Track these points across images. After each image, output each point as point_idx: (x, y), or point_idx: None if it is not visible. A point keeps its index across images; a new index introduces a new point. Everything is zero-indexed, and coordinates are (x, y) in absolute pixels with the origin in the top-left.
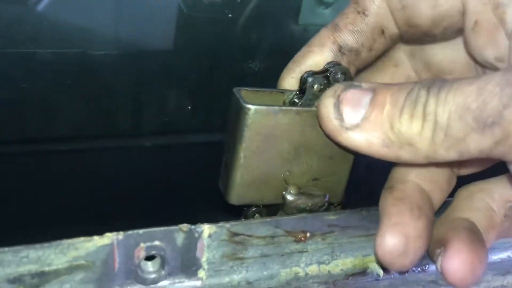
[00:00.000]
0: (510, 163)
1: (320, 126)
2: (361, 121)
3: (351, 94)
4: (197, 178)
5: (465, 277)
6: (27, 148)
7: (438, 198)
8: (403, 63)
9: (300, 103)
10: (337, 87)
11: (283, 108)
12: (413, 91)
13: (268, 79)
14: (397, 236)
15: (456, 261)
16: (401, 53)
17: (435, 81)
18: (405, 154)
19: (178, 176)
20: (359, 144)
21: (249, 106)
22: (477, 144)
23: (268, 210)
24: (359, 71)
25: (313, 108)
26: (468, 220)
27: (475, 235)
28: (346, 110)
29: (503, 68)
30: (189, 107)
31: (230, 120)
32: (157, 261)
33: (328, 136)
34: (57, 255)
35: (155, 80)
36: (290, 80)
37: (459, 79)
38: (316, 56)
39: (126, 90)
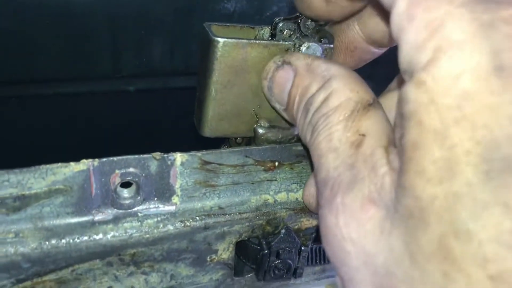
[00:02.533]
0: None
1: None
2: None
3: (278, 77)
4: (176, 122)
5: None
6: (7, 92)
7: None
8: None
9: None
10: (269, 66)
11: (252, 41)
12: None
13: (243, 19)
14: None
15: None
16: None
17: None
18: None
19: (157, 119)
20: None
21: (218, 39)
22: None
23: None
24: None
25: (281, 42)
26: None
27: None
28: (276, 94)
29: None
30: (167, 51)
31: (201, 55)
32: (132, 187)
33: None
34: (37, 179)
35: (133, 23)
36: None
37: None
38: None
39: (105, 33)
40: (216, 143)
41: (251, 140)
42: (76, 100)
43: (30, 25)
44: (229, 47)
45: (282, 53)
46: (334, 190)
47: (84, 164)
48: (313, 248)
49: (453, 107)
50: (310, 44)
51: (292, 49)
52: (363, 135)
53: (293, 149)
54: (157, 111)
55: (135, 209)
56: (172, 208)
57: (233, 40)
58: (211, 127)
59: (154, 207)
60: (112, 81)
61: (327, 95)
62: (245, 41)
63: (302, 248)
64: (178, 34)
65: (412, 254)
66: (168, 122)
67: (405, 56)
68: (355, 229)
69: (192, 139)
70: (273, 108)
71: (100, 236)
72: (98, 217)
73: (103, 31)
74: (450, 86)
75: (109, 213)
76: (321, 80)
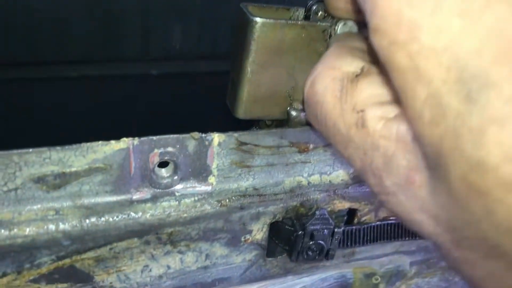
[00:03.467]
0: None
1: None
2: None
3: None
4: (202, 108)
5: None
6: (36, 73)
7: None
8: None
9: None
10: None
11: (290, 21)
12: None
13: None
14: None
15: None
16: None
17: None
18: None
19: (183, 104)
20: None
21: (256, 19)
22: None
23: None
24: None
25: (319, 23)
26: None
27: None
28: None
29: None
30: (195, 34)
31: (237, 36)
32: (170, 166)
33: None
34: (77, 157)
35: (163, 5)
36: None
37: None
38: None
39: (133, 16)
40: (242, 127)
41: (283, 122)
42: (104, 82)
43: (63, 5)
44: (267, 28)
45: (319, 33)
46: (377, 176)
47: (125, 143)
48: (345, 230)
49: (408, 40)
50: (347, 21)
51: (329, 30)
52: (362, 110)
53: None
54: (183, 95)
55: (173, 188)
56: (208, 188)
57: (271, 20)
58: (245, 109)
59: (191, 186)
60: (140, 64)
61: (311, 81)
62: (283, 21)
63: (335, 229)
64: (207, 18)
65: (454, 201)
66: (194, 106)
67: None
68: (415, 201)
69: (219, 124)
70: None
71: (139, 214)
72: (136, 196)
73: (134, 13)
74: (398, 22)
75: (147, 192)
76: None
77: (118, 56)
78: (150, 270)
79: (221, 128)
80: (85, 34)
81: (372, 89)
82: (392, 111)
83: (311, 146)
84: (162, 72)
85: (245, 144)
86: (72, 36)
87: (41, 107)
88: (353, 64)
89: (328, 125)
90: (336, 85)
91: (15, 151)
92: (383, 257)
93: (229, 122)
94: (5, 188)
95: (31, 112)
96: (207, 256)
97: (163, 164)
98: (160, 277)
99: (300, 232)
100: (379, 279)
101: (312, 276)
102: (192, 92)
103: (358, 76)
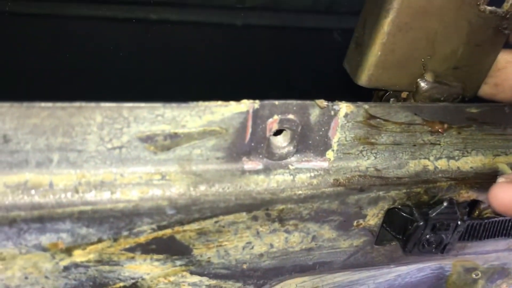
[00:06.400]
0: None
1: None
2: None
3: None
4: (302, 64)
5: None
6: (130, 13)
7: None
8: None
9: None
10: None
11: None
12: None
13: None
14: None
15: None
16: None
17: None
18: None
19: (279, 59)
20: None
21: None
22: None
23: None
24: None
25: None
26: None
27: None
28: None
29: None
30: None
31: None
32: (287, 135)
33: None
34: (193, 117)
35: None
36: None
37: None
38: None
39: None
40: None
41: (408, 96)
42: (198, 29)
43: None
44: None
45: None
46: None
47: (245, 105)
48: (469, 224)
49: None
50: None
51: None
52: None
53: (466, 111)
54: (281, 49)
55: (287, 160)
56: (325, 164)
57: None
58: (371, 75)
59: (307, 160)
60: (235, 12)
61: None
62: None
63: (459, 223)
64: None
65: None
66: (299, 64)
67: None
68: None
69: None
70: None
71: (252, 187)
72: (248, 165)
73: None
74: None
75: (259, 162)
76: None
77: (213, 2)
78: (252, 248)
79: (322, 91)
80: None
81: None
82: None
83: (446, 126)
84: (258, 22)
85: (374, 118)
86: None
87: (126, 49)
88: None
89: None
90: None
91: (125, 104)
92: (492, 253)
93: (329, 81)
94: (109, 145)
95: (116, 53)
96: (313, 237)
97: (279, 132)
98: (261, 255)
99: (421, 223)
100: (480, 274)
101: (409, 265)
102: (291, 46)
103: None
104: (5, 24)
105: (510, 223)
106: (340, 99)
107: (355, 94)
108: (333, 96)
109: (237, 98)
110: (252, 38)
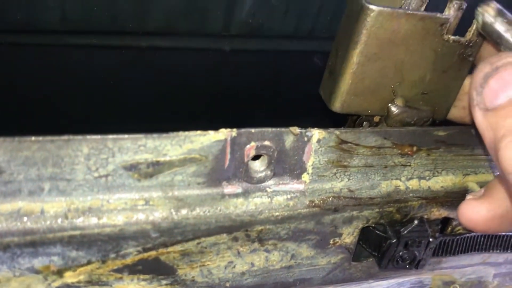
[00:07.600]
0: None
1: None
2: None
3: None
4: (284, 87)
5: None
6: (118, 41)
7: None
8: None
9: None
10: (500, 57)
11: (409, 12)
12: None
13: None
14: None
15: None
16: None
17: None
18: None
19: (263, 83)
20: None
21: (372, 7)
22: None
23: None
24: None
25: (438, 15)
26: None
27: None
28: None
29: None
30: (283, 11)
31: (346, 22)
32: (264, 160)
33: None
34: (173, 146)
35: None
36: None
37: None
38: None
39: None
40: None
41: (380, 120)
42: (187, 55)
43: None
44: (382, 17)
45: (437, 27)
46: None
47: (223, 134)
48: (441, 241)
49: None
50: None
51: (447, 24)
52: None
53: (434, 134)
54: (263, 74)
55: (265, 183)
56: (301, 186)
57: (388, 9)
58: (343, 102)
59: (283, 183)
60: (220, 39)
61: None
62: (401, 11)
63: (430, 239)
64: None
65: None
66: (282, 86)
67: None
68: None
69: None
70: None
71: (231, 210)
72: (228, 189)
73: None
74: None
75: (238, 186)
76: None
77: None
78: (234, 267)
79: (303, 112)
80: (171, 5)
81: None
82: None
83: (415, 148)
84: (241, 47)
85: (346, 142)
86: (157, 6)
87: (120, 76)
88: None
89: None
90: None
91: (110, 136)
92: (467, 267)
93: (310, 103)
94: (96, 174)
95: (107, 81)
96: (292, 256)
97: (257, 157)
98: (243, 274)
99: (394, 240)
100: (458, 287)
101: (389, 280)
102: (274, 70)
103: None
104: None
105: (482, 239)
106: (323, 119)
107: (337, 114)
108: (316, 116)
109: (226, 117)
110: (239, 61)
